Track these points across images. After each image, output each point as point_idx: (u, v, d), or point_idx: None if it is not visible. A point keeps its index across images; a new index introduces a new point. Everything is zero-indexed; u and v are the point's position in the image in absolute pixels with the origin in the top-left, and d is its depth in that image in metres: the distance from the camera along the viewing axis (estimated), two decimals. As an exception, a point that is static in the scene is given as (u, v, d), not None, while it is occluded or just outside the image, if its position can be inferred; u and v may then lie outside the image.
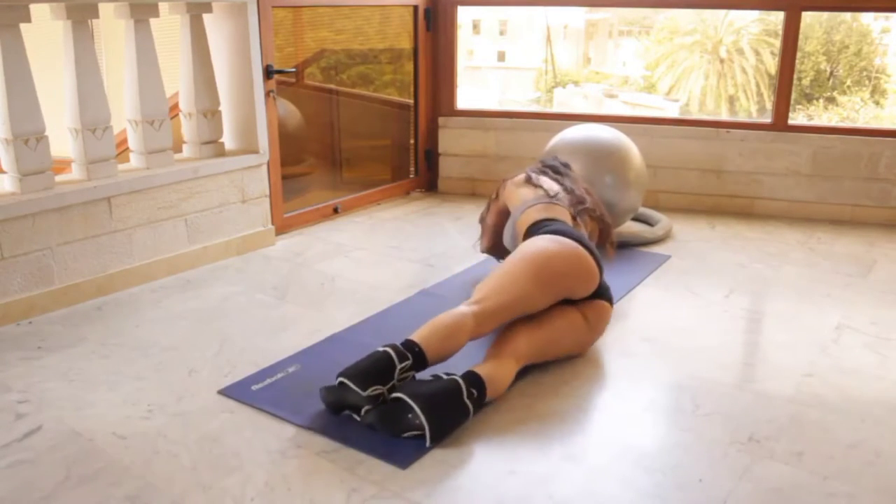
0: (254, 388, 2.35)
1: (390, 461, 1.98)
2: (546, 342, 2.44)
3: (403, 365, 2.14)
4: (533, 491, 1.88)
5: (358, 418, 2.13)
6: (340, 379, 2.13)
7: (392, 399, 2.10)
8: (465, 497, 1.87)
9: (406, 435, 2.05)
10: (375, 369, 2.12)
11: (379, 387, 2.10)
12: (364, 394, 2.08)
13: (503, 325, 2.43)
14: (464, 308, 2.33)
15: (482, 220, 3.31)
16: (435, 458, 2.01)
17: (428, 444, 2.03)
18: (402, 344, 2.19)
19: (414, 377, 2.19)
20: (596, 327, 2.57)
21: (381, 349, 2.16)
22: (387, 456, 2.00)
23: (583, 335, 2.54)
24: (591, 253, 2.56)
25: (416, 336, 2.23)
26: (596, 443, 2.11)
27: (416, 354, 2.18)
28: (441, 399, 2.07)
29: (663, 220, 4.03)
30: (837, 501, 1.85)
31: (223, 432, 2.13)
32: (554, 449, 2.07)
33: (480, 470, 1.98)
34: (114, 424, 2.16)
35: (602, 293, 2.58)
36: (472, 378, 2.16)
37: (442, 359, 2.24)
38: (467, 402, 2.10)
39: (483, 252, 3.36)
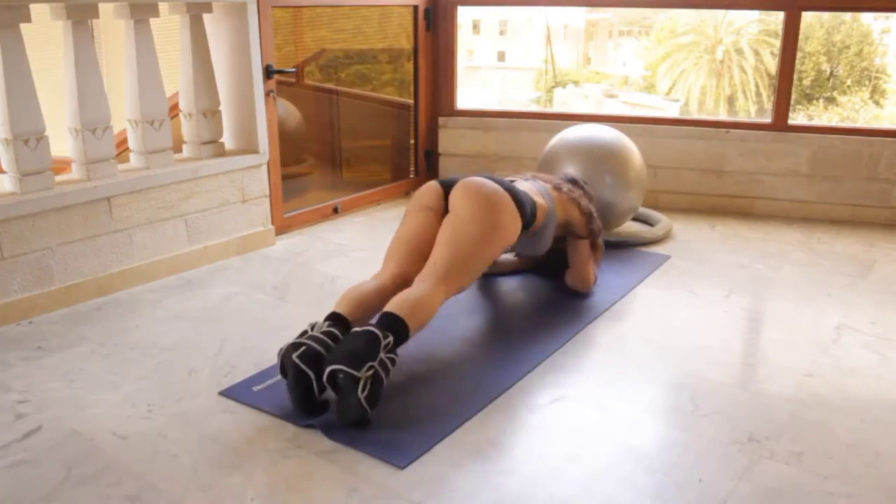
0: (255, 388, 2.35)
1: (393, 462, 1.98)
2: (439, 248, 2.48)
3: (313, 323, 2.30)
4: (533, 491, 1.88)
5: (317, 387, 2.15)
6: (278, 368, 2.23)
7: (328, 383, 2.11)
8: (465, 497, 1.87)
9: (361, 395, 2.04)
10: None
11: (296, 339, 2.21)
12: (283, 348, 2.20)
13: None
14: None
15: None
16: (435, 458, 2.01)
17: (359, 375, 2.04)
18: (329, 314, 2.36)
19: (336, 333, 2.24)
20: (467, 202, 2.55)
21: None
22: (386, 455, 2.00)
23: (463, 219, 2.52)
24: (508, 190, 2.64)
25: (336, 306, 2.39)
26: (596, 443, 2.11)
27: (328, 315, 2.33)
28: (342, 344, 2.14)
29: (663, 221, 4.03)
30: (837, 501, 1.85)
31: (223, 432, 2.13)
32: (554, 449, 2.07)
33: (480, 470, 1.98)
34: (114, 424, 2.16)
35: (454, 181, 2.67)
36: (380, 318, 2.25)
37: (359, 313, 2.35)
38: (367, 329, 2.15)
39: None
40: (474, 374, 2.45)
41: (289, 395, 2.19)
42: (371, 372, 2.07)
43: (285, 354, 2.19)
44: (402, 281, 2.50)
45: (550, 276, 3.27)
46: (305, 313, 2.96)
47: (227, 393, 2.33)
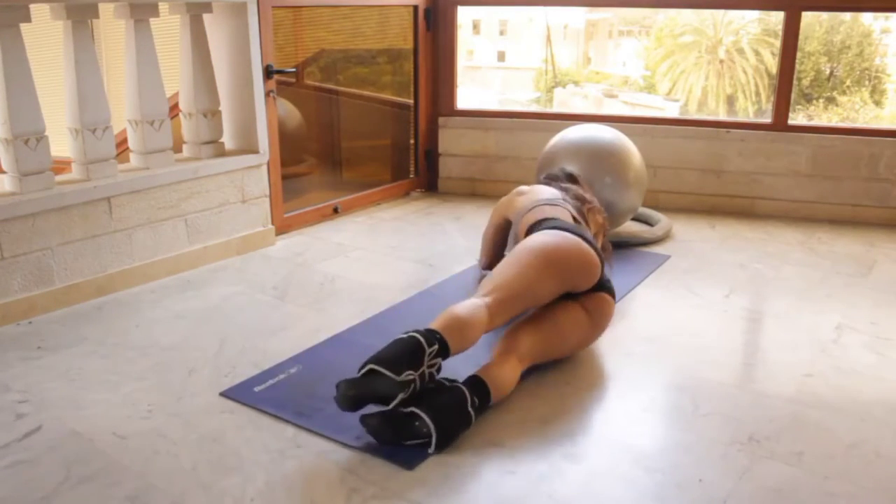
0: (256, 389, 2.35)
1: (394, 462, 1.98)
2: (549, 339, 2.43)
3: (432, 349, 2.06)
4: (533, 491, 1.88)
5: (387, 407, 2.03)
6: (370, 366, 2.00)
7: (404, 411, 2.04)
8: (465, 497, 1.87)
9: (409, 443, 2.03)
10: (407, 354, 2.03)
11: (412, 372, 2.00)
12: (398, 378, 1.97)
13: (507, 326, 2.42)
14: (476, 300, 2.30)
15: (484, 237, 3.31)
16: (435, 458, 2.01)
17: (432, 450, 2.01)
18: (425, 331, 2.12)
19: (433, 374, 2.12)
20: (599, 321, 2.55)
21: (406, 335, 2.09)
22: (390, 457, 2.00)
23: (586, 330, 2.53)
24: (592, 246, 2.56)
25: (436, 325, 2.16)
26: (596, 443, 2.11)
27: (440, 341, 2.11)
28: (448, 409, 2.06)
29: (663, 220, 4.03)
30: (837, 501, 1.85)
31: (223, 432, 2.13)
32: (554, 449, 2.07)
33: (480, 470, 1.98)
34: (114, 424, 2.16)
35: (603, 286, 2.57)
36: (477, 385, 2.15)
37: (461, 349, 2.18)
38: (471, 410, 2.08)
39: (483, 269, 3.31)
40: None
41: (350, 394, 2.02)
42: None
43: (393, 384, 1.99)
44: (504, 324, 2.40)
45: None
46: (305, 313, 2.96)
47: (227, 393, 2.33)
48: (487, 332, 2.30)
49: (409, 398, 2.02)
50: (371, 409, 2.06)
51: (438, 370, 2.12)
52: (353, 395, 2.02)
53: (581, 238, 2.54)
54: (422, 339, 2.06)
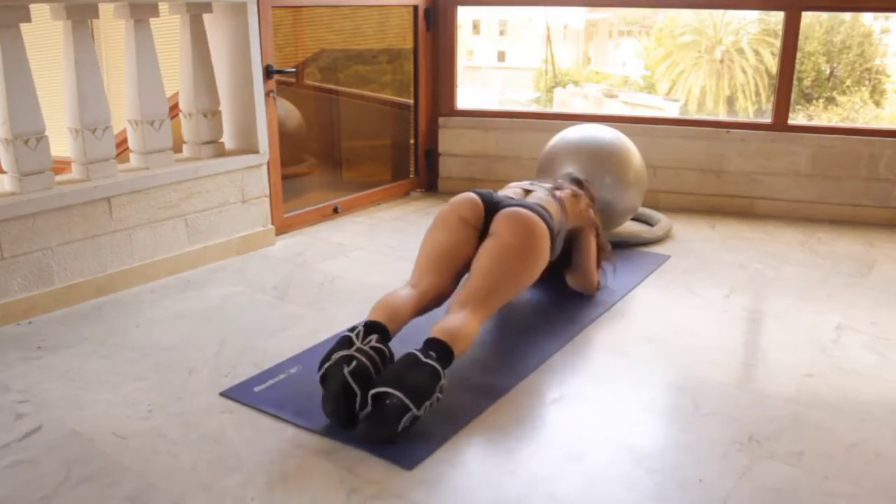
0: (256, 389, 2.35)
1: (394, 462, 1.98)
2: (478, 276, 2.48)
3: (356, 331, 2.21)
4: (533, 491, 1.88)
5: (359, 397, 2.09)
6: (319, 374, 2.16)
7: (371, 401, 2.06)
8: (465, 497, 1.87)
9: (401, 425, 2.02)
10: (336, 345, 2.20)
11: (345, 351, 2.13)
12: (332, 361, 2.12)
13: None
14: (401, 287, 2.52)
15: None
16: (435, 458, 2.01)
17: (416, 412, 2.01)
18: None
19: (383, 351, 2.19)
20: (514, 233, 2.55)
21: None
22: (390, 457, 2.00)
23: (507, 248, 2.53)
24: (480, 195, 2.71)
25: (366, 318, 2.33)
26: (596, 443, 2.11)
27: (365, 324, 2.25)
28: (402, 370, 2.08)
29: (663, 220, 4.03)
30: (837, 501, 1.85)
31: (223, 432, 2.13)
32: (554, 449, 2.07)
33: (480, 470, 1.98)
34: (114, 424, 2.16)
35: (499, 208, 2.65)
36: (426, 343, 2.20)
37: (395, 324, 2.31)
38: (427, 361, 2.10)
39: None
40: (475, 376, 2.45)
41: (327, 405, 2.12)
42: (425, 411, 2.06)
43: (335, 366, 2.11)
44: (438, 294, 2.51)
45: (553, 273, 3.24)
46: (305, 313, 2.96)
47: (227, 393, 2.33)
48: (424, 304, 2.46)
49: (368, 378, 2.09)
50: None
51: (386, 347, 2.21)
52: (330, 408, 2.12)
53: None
54: (346, 331, 2.25)
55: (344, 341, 2.19)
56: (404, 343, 2.28)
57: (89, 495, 1.85)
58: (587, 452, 2.06)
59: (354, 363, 2.09)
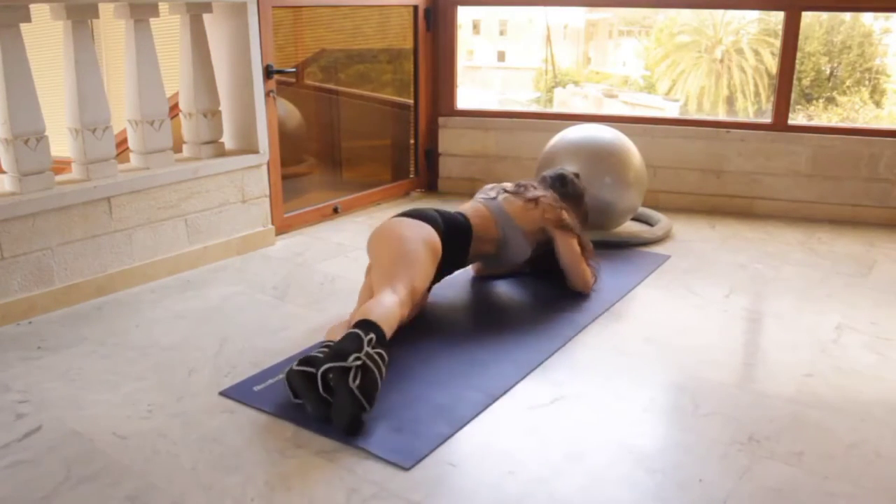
0: (255, 389, 2.35)
1: (394, 462, 1.98)
2: (375, 268, 2.66)
3: (325, 343, 2.31)
4: (533, 491, 1.88)
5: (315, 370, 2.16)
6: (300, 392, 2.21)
7: (323, 387, 2.12)
8: (465, 497, 1.87)
9: (353, 387, 2.05)
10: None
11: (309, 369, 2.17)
12: (295, 367, 2.18)
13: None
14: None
15: None
16: (435, 458, 2.01)
17: (346, 363, 2.06)
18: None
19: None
20: (379, 242, 2.72)
21: None
22: (390, 457, 2.00)
23: (382, 243, 2.69)
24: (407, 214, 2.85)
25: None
26: (596, 443, 2.11)
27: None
28: (334, 349, 2.14)
29: (663, 220, 4.03)
30: (837, 501, 1.85)
31: (223, 432, 2.13)
32: (554, 449, 2.07)
33: (480, 470, 1.98)
34: (114, 424, 2.16)
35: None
36: (353, 326, 2.27)
37: (363, 313, 2.35)
38: (354, 332, 2.18)
39: (476, 273, 3.39)
40: (475, 375, 2.45)
41: (307, 406, 2.17)
42: (359, 363, 2.09)
43: (287, 372, 2.23)
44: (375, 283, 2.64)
45: (547, 274, 3.25)
46: (305, 313, 2.96)
47: (227, 393, 2.33)
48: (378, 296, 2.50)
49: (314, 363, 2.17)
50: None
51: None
52: (311, 401, 2.16)
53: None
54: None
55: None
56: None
57: (89, 495, 1.85)
58: (587, 452, 2.06)
59: (299, 360, 2.19)
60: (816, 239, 3.94)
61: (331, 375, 2.09)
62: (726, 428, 2.16)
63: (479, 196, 3.19)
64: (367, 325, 2.25)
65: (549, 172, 3.41)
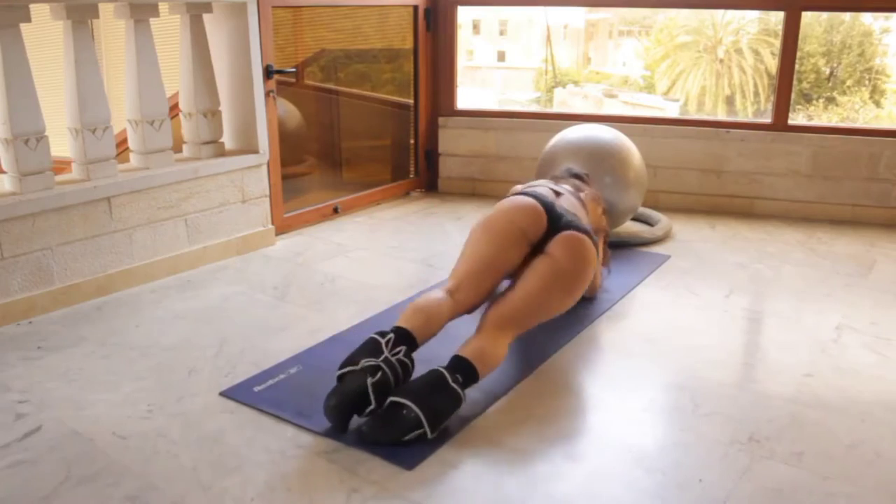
0: (256, 389, 2.35)
1: (394, 462, 1.98)
2: (520, 297, 2.41)
3: (387, 338, 2.18)
4: (533, 491, 1.88)
5: (363, 418, 2.08)
6: (337, 374, 2.16)
7: (387, 406, 2.07)
8: (465, 497, 1.87)
9: (407, 437, 2.03)
10: (363, 348, 2.18)
11: (372, 359, 2.10)
12: (358, 367, 2.09)
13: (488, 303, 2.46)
14: (437, 289, 2.44)
15: None
16: (435, 458, 2.01)
17: (429, 434, 2.02)
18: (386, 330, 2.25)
19: (406, 363, 2.17)
20: (571, 260, 2.46)
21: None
22: (390, 457, 2.00)
23: (559, 275, 2.45)
24: (540, 200, 2.58)
25: (398, 322, 2.29)
26: (596, 443, 2.11)
27: (396, 330, 2.22)
28: (427, 389, 2.08)
29: (663, 220, 4.03)
30: (837, 501, 1.85)
31: (223, 432, 2.13)
32: (554, 449, 2.07)
33: (480, 470, 1.98)
34: (114, 424, 2.16)
35: (562, 226, 2.53)
36: (456, 363, 2.17)
37: (426, 333, 2.27)
38: (454, 386, 2.10)
39: None
40: (474, 374, 2.45)
41: (332, 399, 2.08)
42: (437, 434, 2.05)
43: (359, 374, 2.08)
44: (473, 306, 2.45)
45: None
46: (305, 313, 2.96)
47: (227, 393, 2.33)
48: (457, 314, 2.39)
49: (388, 390, 2.08)
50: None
51: (410, 360, 2.18)
52: (334, 403, 2.07)
53: (526, 195, 2.60)
54: (376, 336, 2.21)
55: (371, 346, 2.17)
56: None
57: (89, 495, 1.85)
58: (587, 452, 2.06)
59: (379, 374, 2.08)
60: (816, 239, 3.94)
61: (405, 413, 2.02)
62: (726, 428, 2.16)
63: (552, 186, 2.90)
64: (470, 377, 2.16)
65: (574, 169, 3.32)
